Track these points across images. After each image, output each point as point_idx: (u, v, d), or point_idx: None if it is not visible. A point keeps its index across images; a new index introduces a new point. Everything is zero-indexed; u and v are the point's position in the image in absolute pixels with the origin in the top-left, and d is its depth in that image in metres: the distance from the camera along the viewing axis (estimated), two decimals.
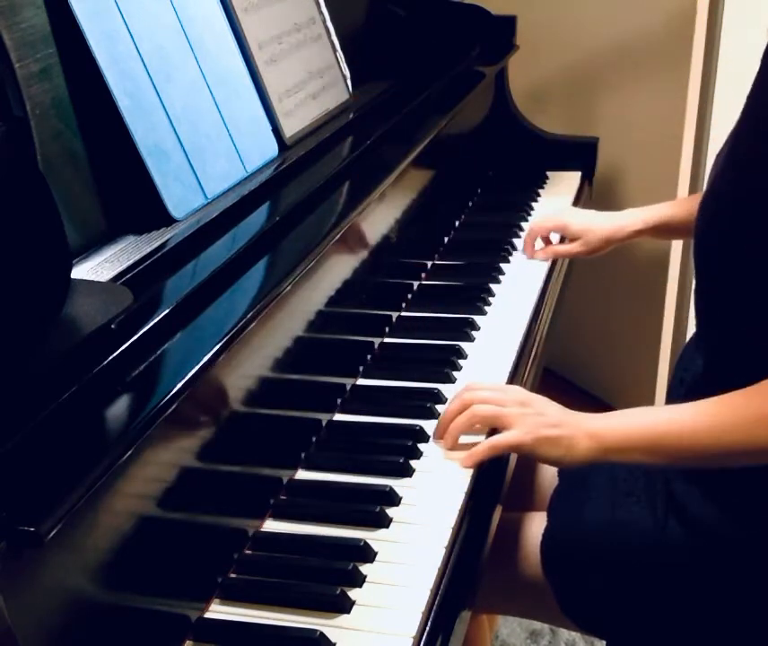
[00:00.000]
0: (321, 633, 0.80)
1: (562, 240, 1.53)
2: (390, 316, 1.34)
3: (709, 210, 1.03)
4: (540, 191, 1.84)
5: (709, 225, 1.02)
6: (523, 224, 1.66)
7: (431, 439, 1.07)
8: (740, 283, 0.98)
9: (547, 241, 1.53)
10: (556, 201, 1.79)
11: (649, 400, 2.22)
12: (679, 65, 1.98)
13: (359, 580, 0.86)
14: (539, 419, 0.99)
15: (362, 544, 0.90)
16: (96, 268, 0.92)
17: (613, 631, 1.13)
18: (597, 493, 1.15)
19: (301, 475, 1.03)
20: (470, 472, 1.00)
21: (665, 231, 1.42)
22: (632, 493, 1.13)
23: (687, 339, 1.19)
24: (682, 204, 1.42)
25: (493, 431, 1.04)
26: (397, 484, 0.99)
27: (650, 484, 1.12)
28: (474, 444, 1.02)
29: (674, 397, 1.16)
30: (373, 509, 0.94)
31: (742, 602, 1.03)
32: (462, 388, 1.08)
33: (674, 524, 1.06)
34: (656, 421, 0.97)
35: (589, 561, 1.10)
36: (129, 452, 0.71)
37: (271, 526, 0.96)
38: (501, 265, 1.50)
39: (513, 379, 1.19)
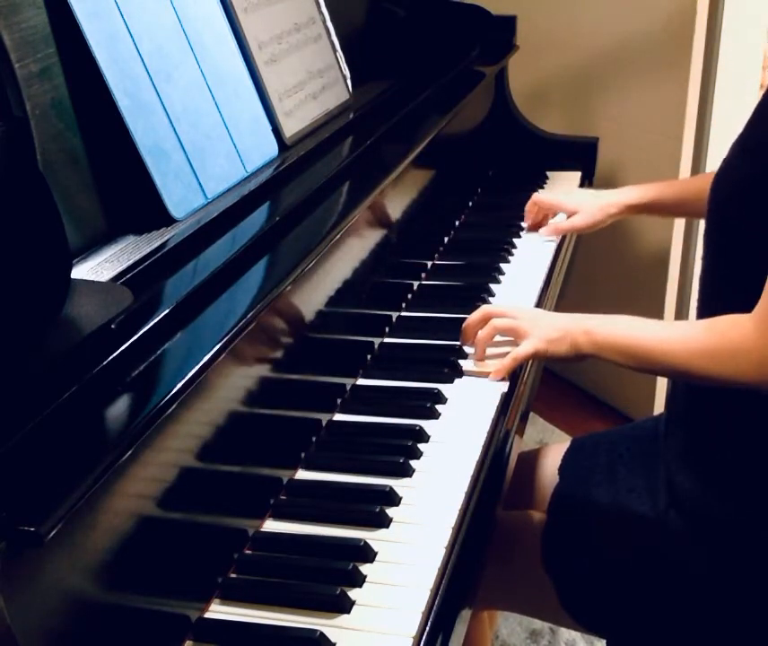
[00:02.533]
0: (321, 633, 0.80)
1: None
2: (390, 316, 1.34)
3: (718, 193, 1.04)
4: (540, 191, 1.84)
5: (717, 208, 1.04)
6: (523, 224, 1.66)
7: (431, 438, 1.07)
8: (750, 262, 0.99)
9: (545, 220, 1.62)
10: None
11: (649, 400, 2.22)
12: (679, 65, 1.98)
13: (359, 580, 0.86)
14: (548, 326, 1.13)
15: (362, 544, 0.90)
16: (96, 268, 0.92)
17: (614, 627, 1.14)
18: (597, 490, 1.15)
19: (301, 475, 1.03)
20: (470, 472, 1.00)
21: (658, 209, 1.49)
22: (633, 489, 1.13)
23: None
24: (677, 185, 1.51)
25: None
26: (397, 484, 0.99)
27: (651, 479, 1.12)
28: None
29: (674, 396, 1.16)
30: (373, 509, 0.94)
31: (744, 594, 1.03)
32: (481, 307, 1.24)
33: (675, 517, 1.07)
34: (635, 333, 1.07)
35: (590, 557, 1.10)
36: (129, 452, 0.71)
37: (271, 526, 0.96)
38: (501, 265, 1.50)
39: (514, 379, 1.19)
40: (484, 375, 1.17)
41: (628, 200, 1.49)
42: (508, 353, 1.16)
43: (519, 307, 1.24)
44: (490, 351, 1.19)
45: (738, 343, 0.96)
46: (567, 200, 1.57)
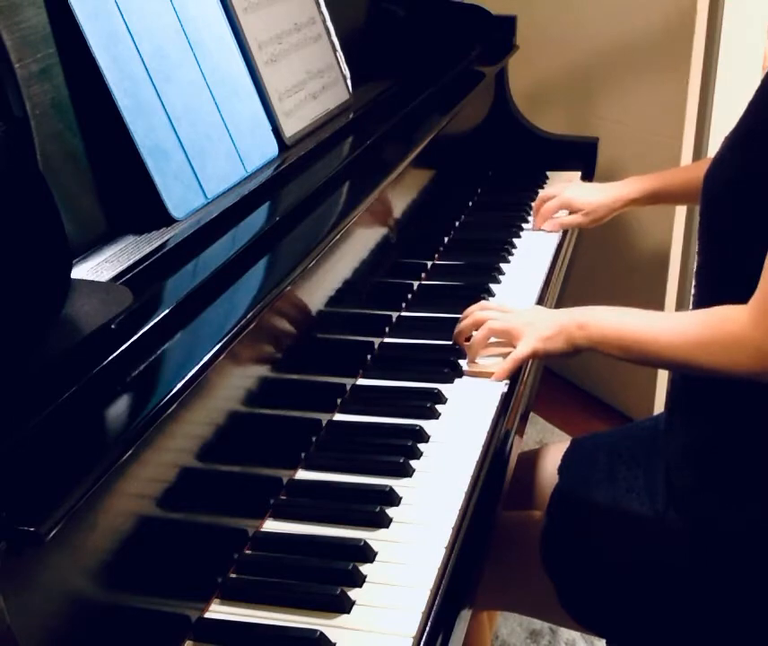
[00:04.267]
0: (321, 633, 0.80)
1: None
2: (390, 316, 1.34)
3: (711, 187, 1.04)
4: (540, 191, 1.84)
5: (712, 196, 1.04)
6: (523, 224, 1.66)
7: (431, 438, 1.07)
8: (744, 255, 0.99)
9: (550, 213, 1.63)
10: None
11: (649, 400, 2.22)
12: (679, 65, 1.98)
13: (359, 580, 0.86)
14: (542, 324, 1.14)
15: (362, 544, 0.90)
16: (96, 268, 0.92)
17: (613, 627, 1.14)
18: (596, 490, 1.15)
19: (301, 475, 1.03)
20: (470, 472, 1.00)
21: (661, 198, 1.51)
22: (632, 489, 1.13)
23: None
24: (678, 173, 1.53)
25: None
26: (397, 484, 0.99)
27: (651, 479, 1.12)
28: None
29: (674, 396, 1.16)
30: (373, 509, 0.94)
31: (743, 594, 1.03)
32: (474, 306, 1.25)
33: (674, 517, 1.07)
34: (628, 327, 1.07)
35: (590, 557, 1.10)
36: (129, 452, 0.71)
37: (271, 526, 0.96)
38: (501, 265, 1.50)
39: (514, 379, 1.19)
40: (486, 376, 1.17)
41: (633, 194, 1.51)
42: (506, 352, 1.16)
43: (510, 306, 1.25)
44: (489, 351, 1.19)
45: (734, 334, 0.96)
46: (573, 199, 1.58)
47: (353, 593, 0.85)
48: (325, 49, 1.43)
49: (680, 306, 2.20)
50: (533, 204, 1.77)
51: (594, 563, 1.10)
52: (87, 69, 0.97)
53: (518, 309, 1.23)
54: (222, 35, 1.18)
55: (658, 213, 2.07)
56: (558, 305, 1.50)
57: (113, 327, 0.78)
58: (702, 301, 1.09)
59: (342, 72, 1.46)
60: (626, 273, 2.26)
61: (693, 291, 1.14)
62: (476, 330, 1.20)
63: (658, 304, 2.19)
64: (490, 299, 1.39)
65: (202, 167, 1.07)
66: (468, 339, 1.22)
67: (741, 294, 0.98)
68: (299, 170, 1.20)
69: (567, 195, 1.60)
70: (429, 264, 1.52)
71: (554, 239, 1.57)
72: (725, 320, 0.98)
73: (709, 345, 0.98)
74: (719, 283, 1.06)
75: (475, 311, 1.23)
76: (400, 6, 1.85)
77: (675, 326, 1.03)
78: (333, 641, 0.80)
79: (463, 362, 1.21)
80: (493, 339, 1.20)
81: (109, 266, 0.92)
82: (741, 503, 1.03)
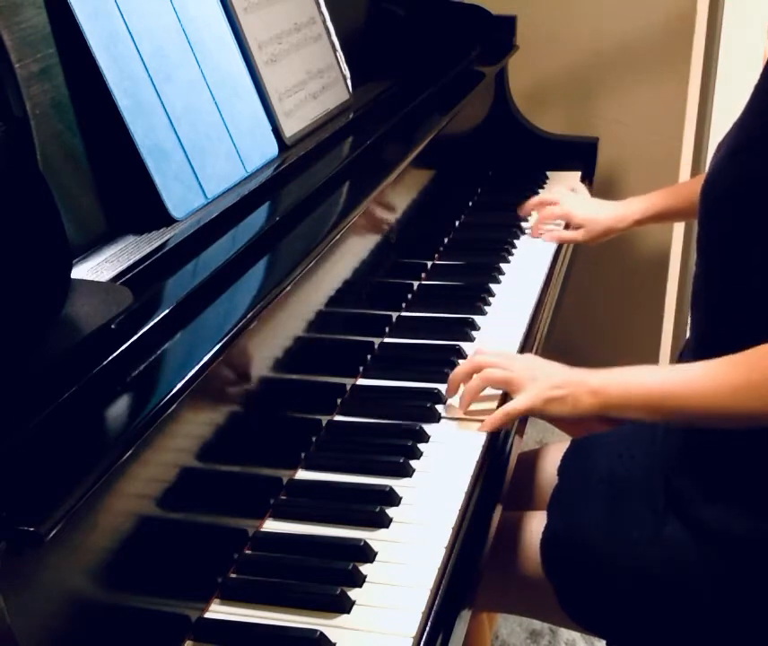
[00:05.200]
0: (321, 633, 0.80)
1: (566, 226, 1.60)
2: (390, 316, 1.34)
3: (709, 196, 1.03)
4: (540, 191, 1.83)
5: (710, 207, 1.03)
6: (523, 224, 1.66)
7: (431, 438, 1.07)
8: (742, 267, 0.99)
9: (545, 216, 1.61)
10: None
11: None
12: (679, 65, 1.98)
13: (359, 580, 0.86)
14: (546, 381, 1.04)
15: (362, 544, 0.90)
16: (96, 268, 0.92)
17: (613, 628, 1.13)
18: (596, 491, 1.15)
19: (301, 475, 1.03)
20: (470, 472, 1.00)
21: (664, 218, 1.49)
22: (632, 491, 1.13)
23: (686, 340, 1.19)
24: (680, 191, 1.48)
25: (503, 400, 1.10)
26: (397, 484, 0.99)
27: (650, 482, 1.12)
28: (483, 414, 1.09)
29: None
30: (373, 509, 0.94)
31: (742, 595, 1.03)
32: (473, 352, 1.16)
33: (673, 520, 1.07)
34: (653, 383, 1.00)
35: (590, 558, 1.10)
36: (129, 452, 0.71)
37: (271, 526, 0.96)
38: (501, 265, 1.50)
39: None
40: (472, 424, 1.08)
41: (637, 215, 1.48)
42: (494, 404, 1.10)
43: (512, 355, 1.17)
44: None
45: None
46: (573, 213, 1.55)
47: (353, 593, 0.85)
48: (325, 49, 1.43)
49: (680, 307, 2.19)
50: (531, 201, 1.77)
51: (594, 564, 1.10)
52: (87, 69, 0.97)
53: (520, 357, 1.14)
54: (222, 35, 1.18)
55: None
56: (557, 305, 1.49)
57: (113, 327, 0.78)
58: (701, 313, 1.08)
59: (342, 72, 1.46)
60: (626, 273, 2.26)
61: (691, 301, 1.11)
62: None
63: (658, 306, 2.19)
64: (490, 299, 1.39)
65: (202, 167, 1.07)
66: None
67: (743, 305, 0.97)
68: (299, 170, 1.20)
69: (567, 207, 1.57)
70: (429, 264, 1.52)
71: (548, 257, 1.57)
72: (766, 359, 0.93)
73: (755, 388, 0.93)
74: (719, 294, 1.04)
75: (474, 358, 1.13)
76: (400, 6, 1.85)
77: (711, 373, 0.96)
78: (333, 641, 0.80)
79: (441, 408, 1.13)
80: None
81: (109, 266, 0.92)
82: (737, 507, 1.03)
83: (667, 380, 0.99)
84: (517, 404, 1.06)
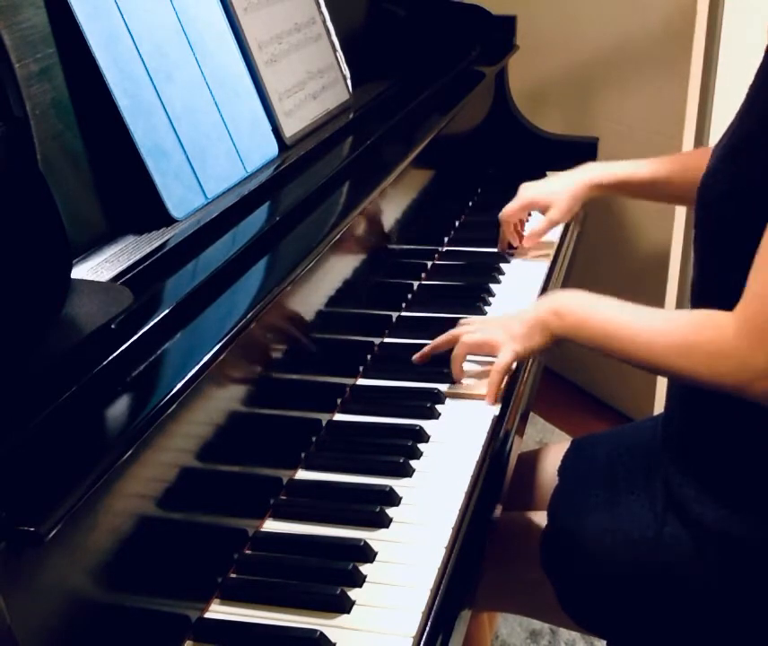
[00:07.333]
0: (321, 633, 0.80)
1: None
2: (390, 316, 1.34)
3: (706, 199, 1.03)
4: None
5: (708, 210, 1.03)
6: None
7: (431, 438, 1.07)
8: (738, 264, 0.98)
9: (522, 227, 1.56)
10: None
11: (648, 401, 2.22)
12: (679, 65, 1.98)
13: (359, 580, 0.86)
14: (518, 327, 1.10)
15: (362, 544, 0.90)
16: (96, 268, 0.92)
17: (613, 629, 1.14)
18: (596, 491, 1.15)
19: (301, 475, 1.03)
20: (470, 472, 1.00)
21: (627, 188, 1.41)
22: (632, 491, 1.13)
23: None
24: (647, 163, 1.38)
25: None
26: (397, 484, 0.99)
27: (650, 482, 1.12)
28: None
29: (671, 398, 1.16)
30: (373, 509, 0.94)
31: (741, 598, 1.03)
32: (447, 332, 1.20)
33: (673, 520, 1.07)
34: (608, 319, 1.01)
35: (590, 559, 1.10)
36: (129, 452, 0.71)
37: (271, 526, 0.96)
38: (501, 265, 1.50)
39: (514, 378, 1.19)
40: (478, 398, 1.13)
41: (594, 179, 1.42)
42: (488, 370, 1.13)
43: (485, 319, 1.22)
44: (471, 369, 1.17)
45: (718, 342, 0.90)
46: (534, 198, 1.49)
47: (353, 593, 0.85)
48: (325, 49, 1.43)
49: (680, 307, 2.19)
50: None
51: (594, 564, 1.10)
52: (87, 69, 0.97)
53: (491, 319, 1.19)
54: (222, 35, 1.18)
55: (658, 213, 2.07)
56: None
57: (113, 327, 0.78)
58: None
59: (342, 72, 1.46)
60: (627, 272, 2.26)
61: (690, 303, 1.11)
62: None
63: (658, 304, 2.19)
64: (490, 299, 1.39)
65: (202, 167, 1.07)
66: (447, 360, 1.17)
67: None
68: (299, 170, 1.20)
69: (528, 195, 1.50)
70: (429, 264, 1.52)
71: (555, 238, 1.57)
72: (710, 327, 0.92)
73: (690, 351, 0.92)
74: (716, 295, 1.04)
75: (450, 331, 1.18)
76: (400, 6, 1.85)
77: (657, 324, 0.97)
78: (333, 641, 0.80)
79: (444, 387, 1.16)
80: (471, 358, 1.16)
81: (109, 266, 0.92)
82: (736, 509, 1.03)
83: (619, 319, 1.00)
84: (501, 357, 1.11)
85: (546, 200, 1.47)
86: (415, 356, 1.20)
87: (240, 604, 0.86)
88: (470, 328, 1.16)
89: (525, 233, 1.56)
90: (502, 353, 1.11)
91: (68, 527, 0.64)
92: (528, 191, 1.50)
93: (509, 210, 1.51)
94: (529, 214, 1.59)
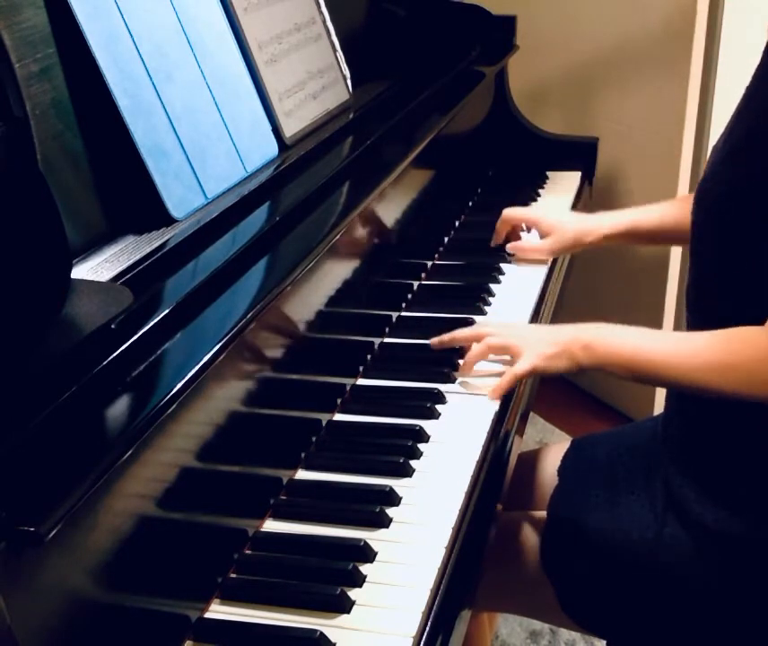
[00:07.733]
0: (321, 633, 0.80)
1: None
2: (390, 316, 1.34)
3: (706, 201, 1.03)
4: (540, 191, 1.84)
5: (707, 213, 1.03)
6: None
7: (431, 438, 1.07)
8: (738, 265, 0.98)
9: (516, 236, 1.54)
10: (556, 201, 1.79)
11: (648, 401, 2.22)
12: (679, 65, 1.98)
13: (359, 580, 0.86)
14: (544, 342, 1.09)
15: (362, 544, 0.90)
16: (96, 268, 0.92)
17: (613, 629, 1.14)
18: (596, 491, 1.15)
19: (301, 475, 1.03)
20: (470, 472, 1.00)
21: (636, 236, 1.40)
22: (632, 491, 1.13)
23: None
24: (655, 209, 1.37)
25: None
26: (397, 484, 0.99)
27: (650, 482, 1.12)
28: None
29: (673, 397, 1.16)
30: (373, 509, 0.94)
31: (741, 598, 1.03)
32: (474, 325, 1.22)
33: (673, 520, 1.07)
34: (639, 347, 1.03)
35: (590, 559, 1.10)
36: (129, 452, 0.71)
37: (271, 526, 0.96)
38: (501, 265, 1.50)
39: None
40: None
41: (604, 229, 1.40)
42: (501, 372, 1.13)
43: (511, 323, 1.23)
44: (483, 367, 1.17)
45: (753, 358, 0.94)
46: (541, 219, 1.48)
47: (353, 593, 0.85)
48: (325, 49, 1.43)
49: (680, 309, 2.20)
50: (533, 204, 1.76)
51: (594, 564, 1.10)
52: (87, 69, 0.97)
53: (518, 325, 1.20)
54: (222, 35, 1.18)
55: None
56: (558, 306, 1.49)
57: (113, 327, 0.78)
58: (697, 320, 1.07)
59: (342, 72, 1.46)
60: (626, 274, 2.26)
61: (686, 314, 1.12)
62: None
63: (658, 308, 2.19)
64: (490, 299, 1.39)
65: (202, 167, 1.07)
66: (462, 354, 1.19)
67: (740, 310, 0.97)
68: (299, 170, 1.20)
69: (537, 213, 1.50)
70: (429, 264, 1.52)
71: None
72: (745, 344, 0.95)
73: (726, 369, 0.95)
74: (717, 297, 1.05)
75: (475, 327, 1.20)
76: (400, 6, 1.85)
77: (690, 347, 0.99)
78: (333, 641, 0.80)
79: (463, 362, 1.19)
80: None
81: (109, 266, 0.92)
82: (735, 509, 1.03)
83: (651, 347, 1.02)
84: (520, 365, 1.10)
85: (550, 227, 1.46)
86: (433, 340, 1.20)
87: (240, 604, 0.85)
88: (495, 330, 1.16)
89: (518, 242, 1.52)
90: (522, 362, 1.09)
91: (68, 527, 0.64)
92: (539, 211, 1.53)
93: (513, 212, 1.52)
94: (530, 230, 1.56)
